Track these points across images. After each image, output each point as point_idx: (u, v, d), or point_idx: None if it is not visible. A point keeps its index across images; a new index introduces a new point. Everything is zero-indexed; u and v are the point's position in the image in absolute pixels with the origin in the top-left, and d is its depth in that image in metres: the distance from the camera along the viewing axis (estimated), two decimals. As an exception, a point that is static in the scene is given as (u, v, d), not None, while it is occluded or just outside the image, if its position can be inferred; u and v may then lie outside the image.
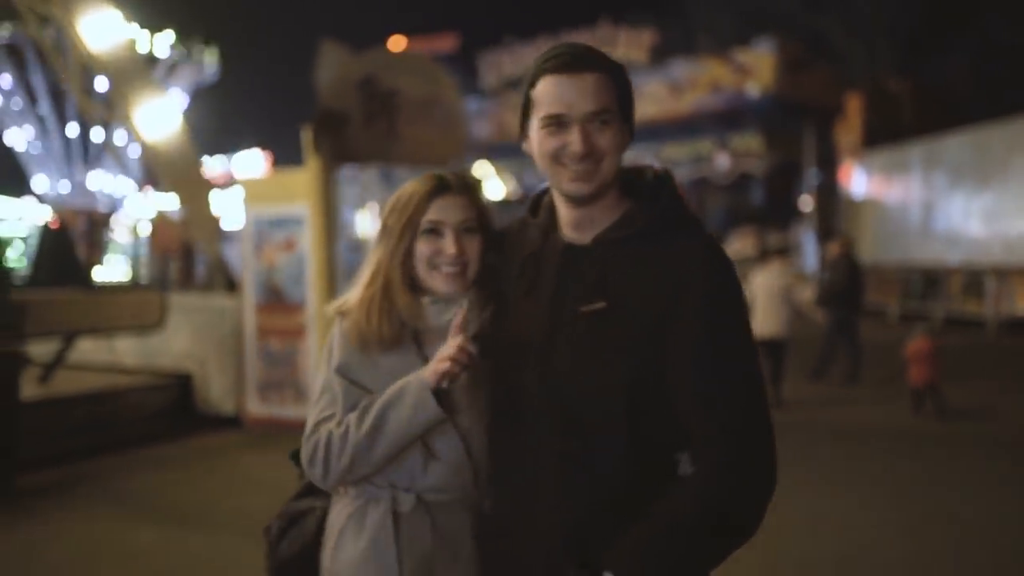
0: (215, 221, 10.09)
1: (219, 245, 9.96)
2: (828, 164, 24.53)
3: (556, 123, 1.70)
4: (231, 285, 9.40)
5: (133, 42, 10.53)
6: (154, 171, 10.92)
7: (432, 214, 1.88)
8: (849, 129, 24.78)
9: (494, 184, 27.55)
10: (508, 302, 1.86)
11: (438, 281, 1.89)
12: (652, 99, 25.49)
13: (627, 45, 25.63)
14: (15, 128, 27.75)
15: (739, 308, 1.71)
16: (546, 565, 1.73)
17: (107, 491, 6.51)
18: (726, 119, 24.11)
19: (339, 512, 1.96)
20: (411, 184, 1.95)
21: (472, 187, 1.95)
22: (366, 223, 8.26)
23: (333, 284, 7.97)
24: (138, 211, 33.81)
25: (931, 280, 19.77)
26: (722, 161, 25.16)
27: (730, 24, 34.11)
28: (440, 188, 1.90)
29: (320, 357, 1.99)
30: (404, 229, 1.89)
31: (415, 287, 1.92)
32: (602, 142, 1.70)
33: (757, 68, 23.73)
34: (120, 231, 29.82)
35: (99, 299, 8.44)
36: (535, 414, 1.74)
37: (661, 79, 25.39)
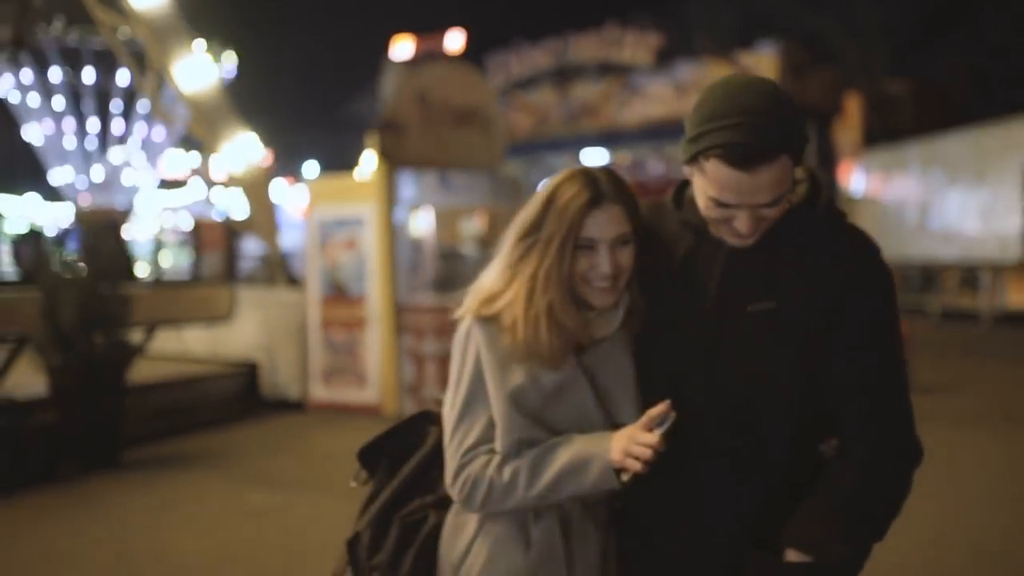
0: (275, 218, 10.87)
1: (279, 241, 10.73)
2: (828, 163, 25.29)
3: (723, 204, 1.70)
4: (291, 280, 10.16)
5: (218, 77, 11.27)
6: (224, 175, 11.66)
7: (588, 229, 1.80)
8: (849, 129, 25.57)
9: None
10: (659, 302, 1.85)
11: (590, 295, 1.83)
12: (657, 100, 26.23)
13: (633, 47, 26.31)
14: (34, 123, 28.36)
15: (896, 311, 1.80)
16: (728, 554, 1.79)
17: (201, 463, 7.29)
18: (729, 119, 24.87)
19: (483, 521, 1.86)
20: (565, 185, 1.82)
21: (626, 195, 1.84)
22: (421, 223, 9.01)
23: (394, 280, 8.75)
24: (159, 208, 34.42)
25: (928, 275, 20.61)
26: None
27: (730, 25, 34.87)
28: (596, 199, 1.80)
29: (457, 362, 1.87)
30: (564, 243, 1.79)
31: (575, 299, 1.85)
32: (771, 214, 1.71)
33: (760, 70, 24.43)
34: (140, 228, 30.49)
35: (176, 293, 9.19)
36: (701, 411, 1.77)
37: (666, 80, 26.10)
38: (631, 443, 1.72)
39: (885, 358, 1.77)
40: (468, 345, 1.85)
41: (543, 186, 1.88)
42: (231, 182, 10.99)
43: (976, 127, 20.65)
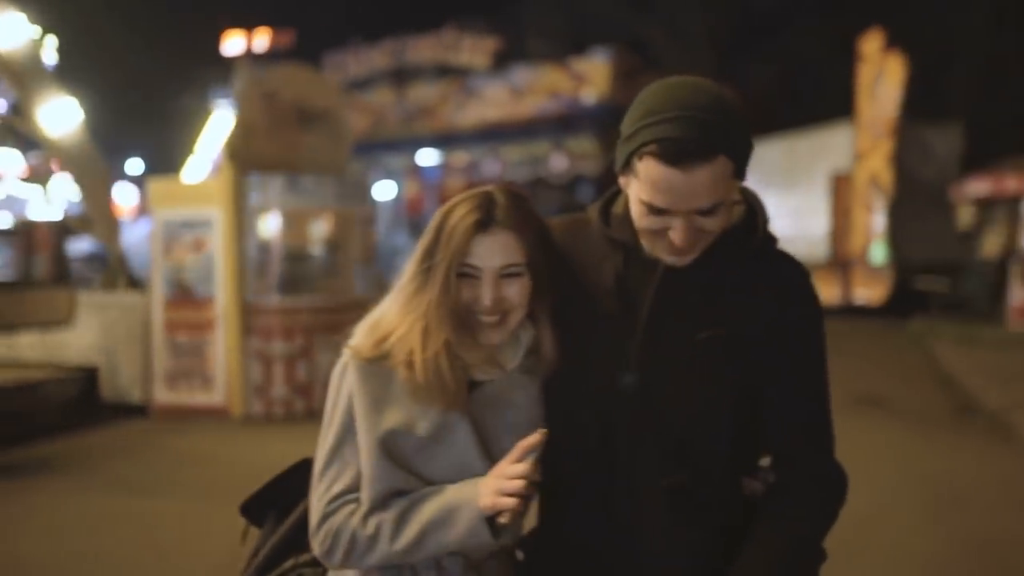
0: (115, 217, 10.59)
1: (120, 243, 10.48)
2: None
3: (658, 211, 1.57)
4: (133, 282, 9.96)
5: (37, 43, 10.84)
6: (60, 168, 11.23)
7: (472, 257, 1.64)
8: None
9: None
10: (584, 327, 1.70)
11: (480, 332, 1.67)
12: (493, 103, 26.79)
13: (470, 50, 26.75)
14: None
15: (824, 332, 1.73)
16: None
17: (46, 469, 7.14)
18: (563, 123, 25.62)
19: None
20: (459, 206, 1.68)
21: (524, 221, 1.67)
22: (268, 225, 9.06)
23: (242, 281, 8.78)
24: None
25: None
26: (558, 162, 26.67)
27: (562, 30, 35.89)
28: (484, 223, 1.64)
29: (329, 402, 1.71)
30: (448, 271, 1.64)
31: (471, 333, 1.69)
32: (709, 225, 1.58)
33: (592, 76, 25.40)
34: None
35: (11, 297, 8.86)
36: (630, 449, 1.65)
37: (502, 84, 26.70)
38: (500, 480, 1.56)
39: (819, 388, 1.71)
40: (342, 385, 1.69)
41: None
42: (64, 166, 10.58)
43: (788, 135, 22.18)
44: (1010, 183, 15.36)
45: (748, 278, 1.67)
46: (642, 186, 1.56)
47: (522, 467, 1.54)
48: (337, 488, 1.64)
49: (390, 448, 1.62)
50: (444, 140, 27.41)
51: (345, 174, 10.23)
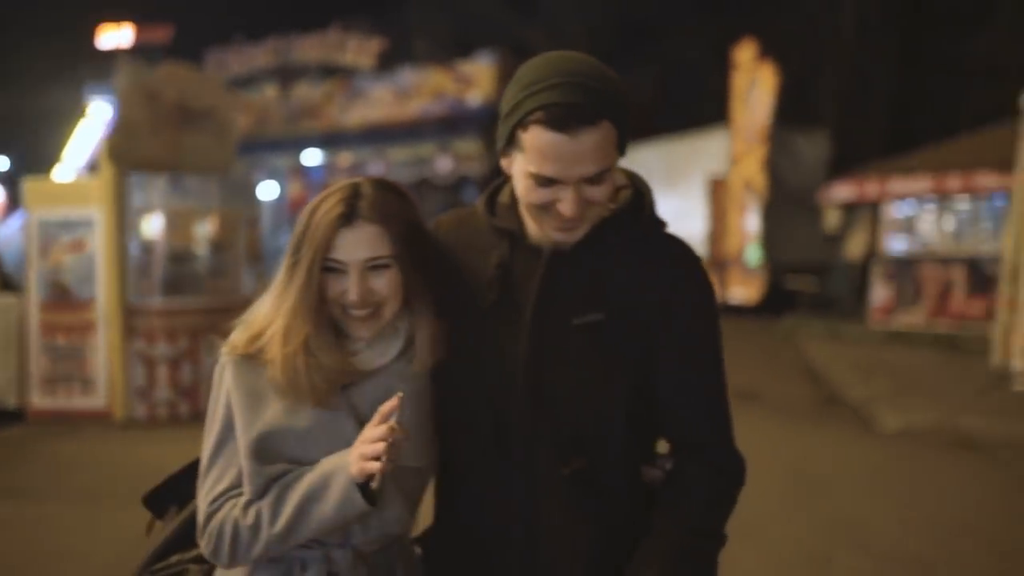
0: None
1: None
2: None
3: (545, 182, 1.56)
4: (5, 283, 9.63)
5: None
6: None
7: (336, 251, 1.64)
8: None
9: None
10: (465, 319, 1.67)
11: (350, 325, 1.67)
12: (379, 103, 26.73)
13: (356, 51, 26.61)
14: None
15: (717, 316, 1.71)
16: None
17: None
18: (448, 125, 25.76)
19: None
20: (325, 199, 1.68)
21: (391, 213, 1.66)
22: (152, 226, 8.91)
23: (124, 283, 8.62)
24: None
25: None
26: (443, 164, 26.80)
27: (447, 32, 36.02)
28: (348, 216, 1.64)
29: (212, 402, 1.70)
30: (312, 266, 1.64)
31: (337, 328, 1.70)
32: (596, 194, 1.58)
33: (477, 78, 25.60)
34: None
35: None
36: (527, 439, 1.62)
37: (388, 85, 26.66)
38: (363, 444, 1.54)
39: (712, 371, 1.69)
40: (221, 384, 1.68)
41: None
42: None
43: (667, 139, 22.87)
44: (871, 188, 16.23)
45: (635, 261, 1.65)
46: (529, 157, 1.55)
47: (382, 429, 1.52)
48: (220, 487, 1.62)
49: (267, 445, 1.60)
50: (329, 140, 27.20)
51: (230, 174, 10.14)
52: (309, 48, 27.24)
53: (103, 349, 8.65)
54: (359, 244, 1.64)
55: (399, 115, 26.14)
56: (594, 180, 1.56)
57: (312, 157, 27.86)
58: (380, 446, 1.52)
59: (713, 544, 1.65)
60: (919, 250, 15.94)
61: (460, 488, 1.71)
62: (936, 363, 12.10)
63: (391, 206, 1.67)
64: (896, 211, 16.31)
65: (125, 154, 8.64)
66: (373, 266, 1.65)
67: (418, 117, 25.71)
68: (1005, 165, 11.42)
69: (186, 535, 1.77)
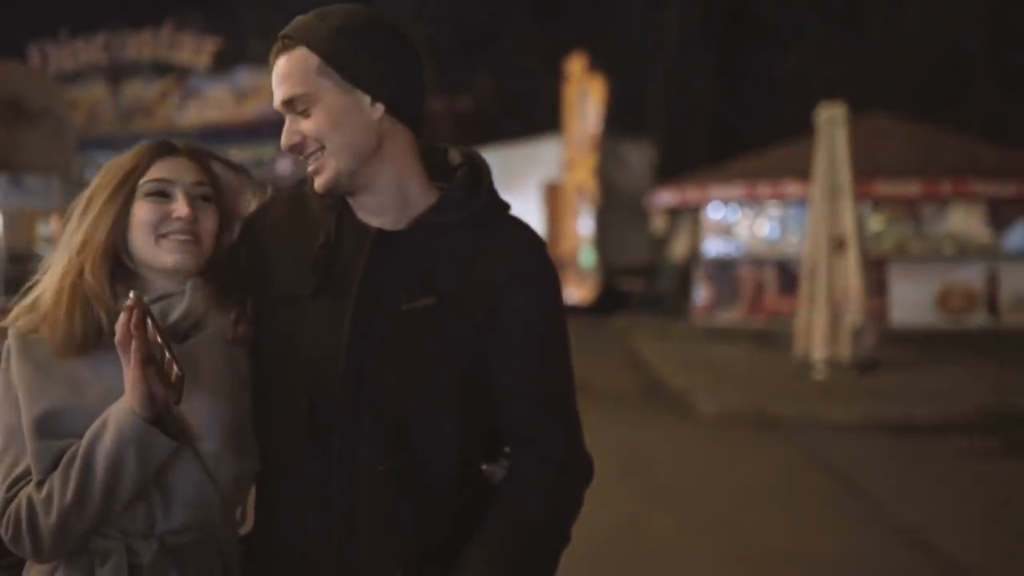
0: None
1: None
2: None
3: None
4: None
5: None
6: None
7: (157, 172, 1.54)
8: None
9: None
10: (288, 303, 1.57)
11: (165, 252, 1.53)
12: (216, 104, 26.40)
13: (191, 50, 26.15)
14: None
15: (563, 311, 1.64)
16: None
17: None
18: (288, 127, 25.77)
19: (51, 572, 1.53)
20: (125, 153, 1.58)
21: (204, 156, 1.61)
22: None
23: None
24: None
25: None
26: (284, 165, 26.68)
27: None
28: (167, 149, 1.57)
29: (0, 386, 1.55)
30: (115, 192, 1.52)
31: (124, 272, 1.55)
32: (305, 127, 1.54)
33: (320, 81, 25.79)
34: None
35: None
36: (346, 429, 1.51)
37: (225, 85, 26.36)
38: (132, 378, 1.41)
39: (554, 362, 1.61)
40: (7, 366, 1.53)
41: None
42: None
43: (504, 145, 23.65)
44: (692, 194, 17.44)
45: (472, 243, 1.56)
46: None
47: (123, 317, 1.39)
48: (16, 472, 1.49)
49: (54, 423, 1.48)
50: (164, 140, 26.64)
51: (70, 173, 10.08)
52: (142, 45, 26.55)
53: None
54: (183, 168, 1.56)
55: (237, 116, 25.89)
56: (299, 111, 1.52)
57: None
58: (138, 366, 1.40)
59: (550, 545, 1.56)
60: (736, 252, 17.26)
61: (277, 486, 1.57)
62: (749, 356, 13.23)
63: (204, 151, 1.63)
64: (714, 216, 17.59)
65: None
66: (201, 195, 1.56)
67: (257, 118, 25.55)
68: (807, 174, 12.63)
69: None
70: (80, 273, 1.51)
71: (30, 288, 1.60)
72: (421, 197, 1.58)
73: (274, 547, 1.60)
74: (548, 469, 1.57)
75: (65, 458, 1.46)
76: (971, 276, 15.26)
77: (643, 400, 10.44)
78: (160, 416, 1.45)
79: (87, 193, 1.56)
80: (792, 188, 15.13)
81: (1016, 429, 8.36)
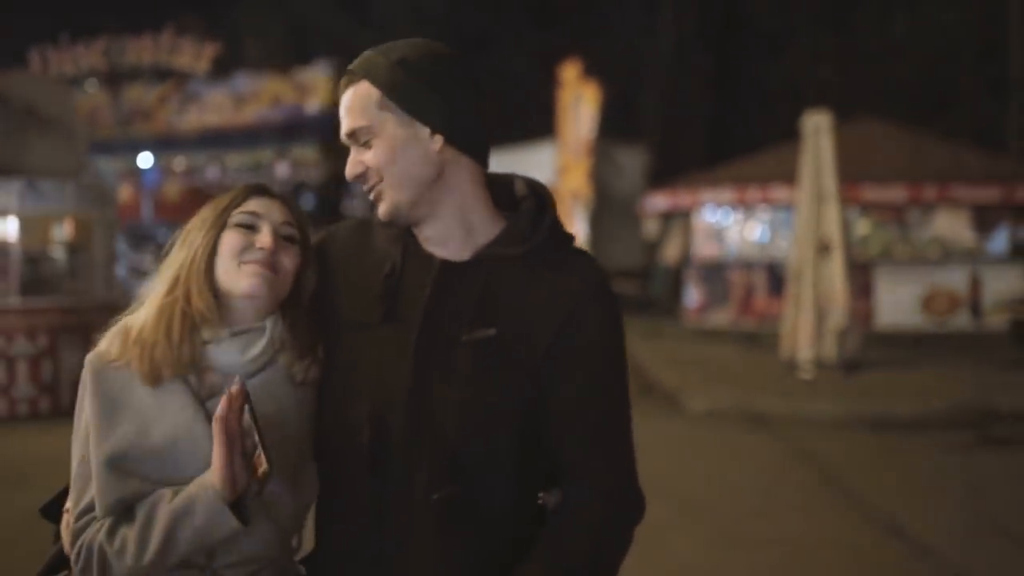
0: None
1: None
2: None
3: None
4: None
5: None
6: None
7: (249, 207, 1.62)
8: (394, 145, 28.05)
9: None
10: (353, 331, 1.61)
11: (242, 278, 1.58)
12: (215, 109, 26.69)
13: (191, 56, 26.46)
14: None
15: (623, 346, 1.64)
16: None
17: None
18: (286, 131, 25.99)
19: None
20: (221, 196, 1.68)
21: (292, 201, 1.69)
22: (7, 229, 9.16)
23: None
24: None
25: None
26: (282, 169, 27.01)
27: (280, 38, 36.08)
28: (260, 189, 1.67)
29: (76, 414, 1.62)
30: (213, 223, 1.61)
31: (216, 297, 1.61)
32: (368, 158, 1.60)
33: (315, 86, 26.02)
34: None
35: None
36: (404, 460, 1.54)
37: (225, 90, 26.67)
38: (224, 459, 1.45)
39: (613, 397, 1.62)
40: (83, 395, 1.59)
41: None
42: None
43: (500, 150, 23.96)
44: (684, 198, 17.82)
45: (534, 274, 1.58)
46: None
47: (224, 404, 1.44)
48: (84, 502, 1.55)
49: (121, 462, 1.52)
50: (163, 144, 26.90)
51: (81, 178, 10.42)
52: (142, 50, 26.84)
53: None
54: (273, 208, 1.63)
55: (236, 120, 26.19)
56: (362, 143, 1.58)
57: (146, 161, 27.50)
58: (239, 459, 1.46)
59: None
60: (727, 255, 17.64)
61: (336, 511, 1.61)
62: (739, 356, 13.61)
63: (294, 199, 1.73)
64: (705, 220, 17.97)
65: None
66: (285, 236, 1.63)
67: (256, 123, 25.87)
68: (795, 179, 13.00)
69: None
70: (187, 299, 1.57)
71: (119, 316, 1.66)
72: (485, 226, 1.61)
73: (335, 567, 1.62)
74: (600, 502, 1.57)
75: (141, 517, 1.49)
76: (955, 279, 15.64)
77: (636, 397, 10.41)
78: (239, 496, 1.49)
79: (187, 227, 1.64)
80: (781, 193, 15.48)
81: (990, 425, 8.76)
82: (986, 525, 5.82)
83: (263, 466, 1.44)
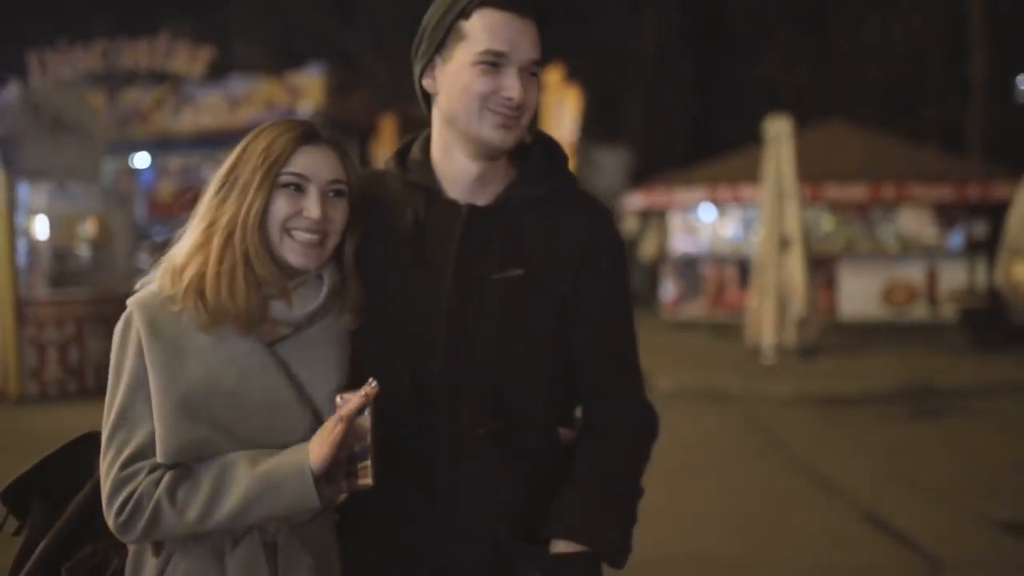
0: None
1: None
2: (367, 175, 28.20)
3: (493, 63, 1.57)
4: None
5: None
6: None
7: (296, 165, 1.55)
8: (384, 145, 28.90)
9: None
10: (382, 277, 1.64)
11: (289, 249, 1.55)
12: (209, 111, 27.48)
13: (187, 59, 27.23)
14: None
15: (629, 273, 1.77)
16: (492, 550, 1.62)
17: None
18: (279, 132, 26.82)
19: (171, 552, 1.54)
20: (270, 128, 1.61)
21: (343, 145, 1.62)
22: (38, 227, 10.07)
23: (14, 278, 9.76)
24: None
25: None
26: (275, 169, 27.79)
27: (270, 40, 36.81)
28: (309, 135, 1.58)
29: (114, 360, 1.57)
30: (264, 179, 1.53)
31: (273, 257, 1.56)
32: (531, 96, 1.61)
33: (308, 89, 26.84)
34: None
35: None
36: (447, 397, 1.60)
37: (219, 93, 27.45)
38: (335, 442, 1.44)
39: (627, 324, 1.74)
40: (127, 337, 1.56)
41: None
42: None
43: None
44: (660, 197, 18.81)
45: (551, 217, 1.67)
46: (477, 39, 1.57)
47: (357, 402, 1.45)
48: (129, 450, 1.50)
49: (193, 404, 1.50)
50: (159, 146, 27.67)
51: (99, 180, 11.33)
52: (139, 54, 27.58)
53: (-4, 336, 9.77)
54: (322, 163, 1.58)
55: (230, 123, 26.93)
56: (531, 74, 1.60)
57: (141, 161, 28.26)
58: (346, 458, 1.46)
59: (633, 496, 1.70)
60: (700, 251, 18.65)
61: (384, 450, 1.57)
62: (708, 343, 14.60)
63: (343, 139, 1.65)
64: (680, 217, 18.97)
65: (13, 162, 9.78)
66: (334, 191, 1.59)
67: (250, 125, 26.36)
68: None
69: (87, 524, 1.64)
70: (247, 262, 1.54)
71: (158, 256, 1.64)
72: (498, 171, 1.68)
73: (379, 511, 1.64)
74: (627, 423, 1.70)
75: (212, 478, 1.48)
76: (913, 273, 16.71)
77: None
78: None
79: (229, 165, 1.59)
80: (748, 192, 16.47)
81: (923, 400, 9.77)
82: (899, 476, 6.81)
83: (367, 479, 1.46)
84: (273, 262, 1.56)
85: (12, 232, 9.75)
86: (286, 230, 1.56)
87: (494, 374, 1.62)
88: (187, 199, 1.66)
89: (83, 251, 10.40)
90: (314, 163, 1.57)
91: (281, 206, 1.55)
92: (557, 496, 1.63)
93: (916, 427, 8.76)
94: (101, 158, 11.70)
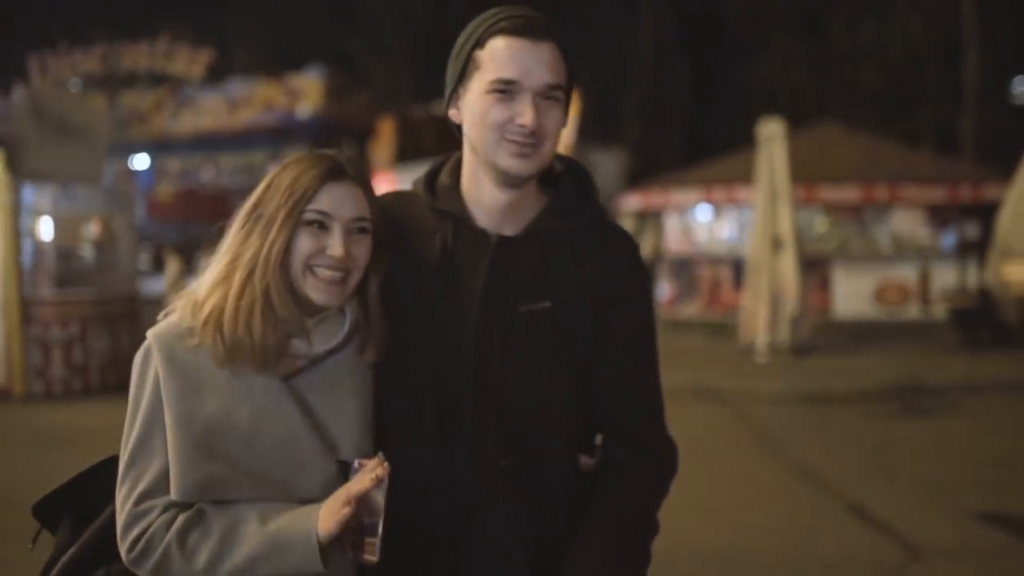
0: None
1: None
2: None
3: (506, 91, 1.56)
4: None
5: None
6: None
7: (320, 203, 1.55)
8: (382, 147, 29.04)
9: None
10: (414, 303, 1.63)
11: (312, 287, 1.56)
12: (209, 113, 27.66)
13: (187, 62, 27.39)
14: None
15: (654, 305, 1.77)
16: None
17: None
18: (279, 134, 26.91)
19: None
20: (294, 162, 1.60)
21: (368, 182, 1.62)
22: (43, 228, 10.25)
23: (19, 278, 9.94)
24: None
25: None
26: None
27: (269, 43, 36.99)
28: (334, 171, 1.57)
29: (133, 391, 1.58)
30: (288, 216, 1.54)
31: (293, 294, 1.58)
32: (549, 122, 1.58)
33: (307, 91, 27.00)
34: None
35: None
36: (473, 427, 1.60)
37: (218, 95, 27.61)
38: (343, 517, 1.45)
39: (652, 361, 1.73)
40: (147, 369, 1.57)
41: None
42: None
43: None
44: (655, 199, 19.02)
45: (581, 248, 1.67)
46: (489, 67, 1.58)
47: (369, 477, 1.46)
48: (143, 486, 1.52)
49: (206, 438, 1.51)
50: (158, 147, 27.85)
51: (102, 182, 11.51)
52: (138, 56, 27.75)
53: (3, 335, 9.93)
54: (346, 200, 1.58)
55: (229, 124, 27.14)
56: (549, 97, 1.58)
57: (141, 162, 28.44)
58: (356, 530, 1.47)
59: (650, 535, 1.70)
60: (695, 252, 18.85)
61: (401, 478, 1.56)
62: (703, 343, 14.76)
63: (367, 174, 1.65)
64: (676, 218, 19.17)
65: (18, 165, 9.97)
66: (358, 228, 1.59)
67: (249, 127, 26.82)
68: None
69: (103, 548, 1.63)
70: (267, 299, 1.55)
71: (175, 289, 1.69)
72: (529, 200, 1.68)
73: (399, 536, 1.58)
74: (646, 460, 1.69)
75: (222, 529, 1.49)
76: (906, 273, 16.90)
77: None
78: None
79: (254, 199, 1.59)
80: (744, 193, 16.65)
81: (913, 398, 9.96)
82: (885, 470, 7.00)
83: (373, 556, 1.47)
84: (294, 300, 1.57)
85: (17, 233, 9.95)
86: (309, 267, 1.57)
87: (519, 406, 1.63)
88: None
89: (87, 252, 10.57)
90: (339, 200, 1.57)
91: (304, 243, 1.56)
92: (575, 535, 1.63)
93: (904, 423, 8.96)
94: (104, 161, 11.88)
